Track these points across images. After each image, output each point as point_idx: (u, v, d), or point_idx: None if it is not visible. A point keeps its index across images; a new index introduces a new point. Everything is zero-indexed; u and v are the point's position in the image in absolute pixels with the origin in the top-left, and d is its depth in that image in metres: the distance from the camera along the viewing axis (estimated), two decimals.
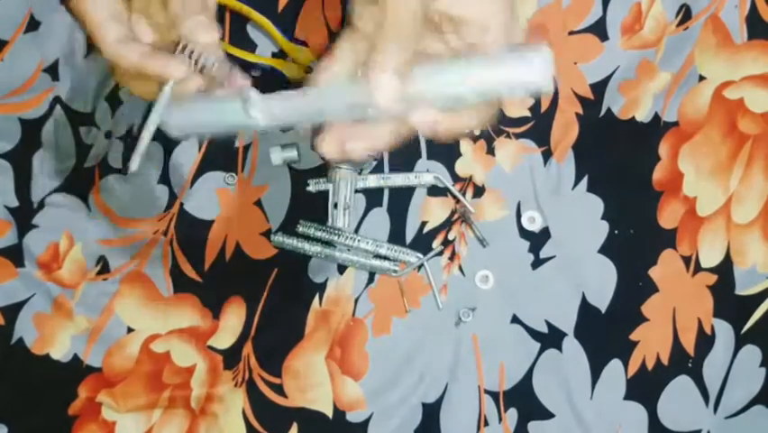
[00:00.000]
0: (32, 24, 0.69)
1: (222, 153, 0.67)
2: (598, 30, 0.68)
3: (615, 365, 0.64)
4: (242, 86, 0.45)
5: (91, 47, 0.68)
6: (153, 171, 0.66)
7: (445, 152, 0.67)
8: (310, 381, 0.63)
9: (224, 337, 0.64)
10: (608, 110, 0.68)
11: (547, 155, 0.67)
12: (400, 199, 0.66)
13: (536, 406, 0.64)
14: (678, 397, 0.64)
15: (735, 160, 0.67)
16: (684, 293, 0.65)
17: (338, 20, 0.69)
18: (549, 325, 0.64)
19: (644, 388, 0.64)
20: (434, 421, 0.63)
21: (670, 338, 0.65)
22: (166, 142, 0.66)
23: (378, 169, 0.67)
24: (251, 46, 0.68)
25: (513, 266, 0.65)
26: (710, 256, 0.66)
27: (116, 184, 0.66)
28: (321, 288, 0.65)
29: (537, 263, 0.65)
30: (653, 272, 0.65)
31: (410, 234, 0.66)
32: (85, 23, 0.45)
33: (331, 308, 0.65)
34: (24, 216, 0.66)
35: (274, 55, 0.69)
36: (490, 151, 0.67)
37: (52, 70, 0.68)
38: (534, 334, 0.64)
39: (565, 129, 0.67)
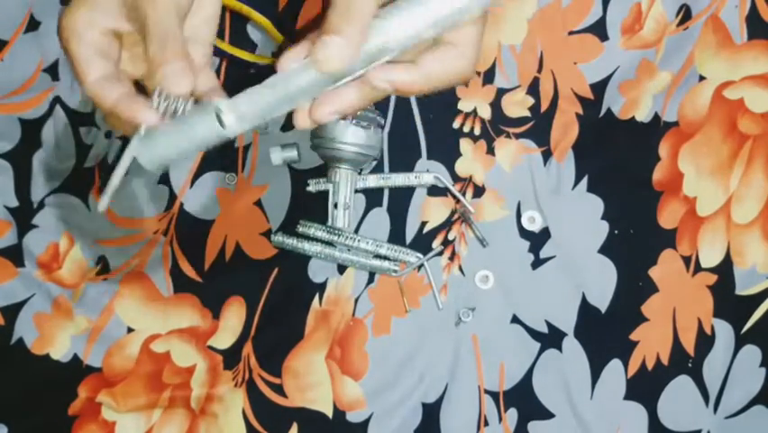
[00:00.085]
0: (32, 24, 0.69)
1: (222, 153, 0.67)
2: (598, 30, 0.68)
3: (615, 365, 0.64)
4: (208, 98, 0.45)
5: None
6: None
7: (445, 151, 0.67)
8: (310, 381, 0.63)
9: (224, 337, 0.64)
10: (608, 110, 0.68)
11: (547, 155, 0.67)
12: (400, 199, 0.66)
13: (536, 406, 0.64)
14: (678, 397, 0.64)
15: (735, 160, 0.67)
16: (684, 293, 0.65)
17: None
18: (549, 325, 0.64)
19: (644, 388, 0.64)
20: (434, 421, 0.63)
21: (670, 338, 0.65)
22: None
23: (378, 169, 0.66)
24: (251, 46, 0.68)
25: (513, 266, 0.65)
26: (710, 256, 0.66)
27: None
28: (321, 288, 0.65)
29: (537, 263, 0.65)
30: (653, 272, 0.65)
31: (410, 234, 0.66)
32: (68, 56, 0.44)
33: (331, 308, 0.65)
34: (24, 216, 0.66)
35: (274, 55, 0.69)
36: (490, 151, 0.67)
37: (52, 70, 0.68)
38: (534, 334, 0.64)
39: (565, 129, 0.67)
